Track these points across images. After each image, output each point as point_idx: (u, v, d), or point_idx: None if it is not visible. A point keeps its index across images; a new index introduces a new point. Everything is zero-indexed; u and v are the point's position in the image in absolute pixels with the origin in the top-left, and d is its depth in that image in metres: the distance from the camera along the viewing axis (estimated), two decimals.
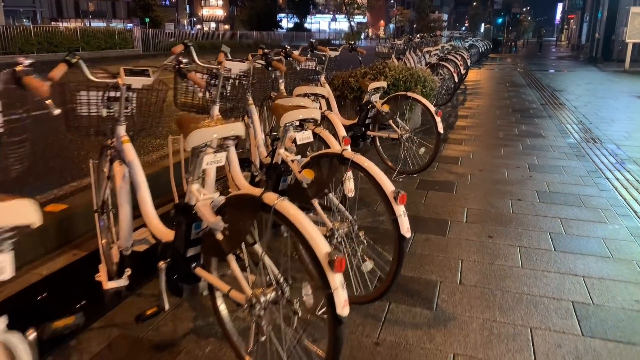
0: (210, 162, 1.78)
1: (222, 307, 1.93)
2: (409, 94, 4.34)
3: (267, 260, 1.60)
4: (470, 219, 3.42)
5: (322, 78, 4.87)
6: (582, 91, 10.77)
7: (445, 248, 2.95)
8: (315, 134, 2.90)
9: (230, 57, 3.16)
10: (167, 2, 64.72)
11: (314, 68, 4.82)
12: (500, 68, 18.02)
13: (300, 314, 1.54)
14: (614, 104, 8.85)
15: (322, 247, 1.47)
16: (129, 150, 2.24)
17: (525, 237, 3.10)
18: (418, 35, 10.64)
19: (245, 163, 3.42)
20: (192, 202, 1.81)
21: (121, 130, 2.28)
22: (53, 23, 55.27)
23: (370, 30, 75.55)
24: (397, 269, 2.05)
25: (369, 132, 4.54)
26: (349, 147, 2.67)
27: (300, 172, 2.25)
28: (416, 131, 4.44)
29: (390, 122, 4.34)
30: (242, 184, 2.83)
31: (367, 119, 4.52)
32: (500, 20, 51.93)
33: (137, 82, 2.26)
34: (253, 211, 1.61)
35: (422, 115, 6.53)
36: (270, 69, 3.91)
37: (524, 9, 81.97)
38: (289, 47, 4.55)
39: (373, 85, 4.39)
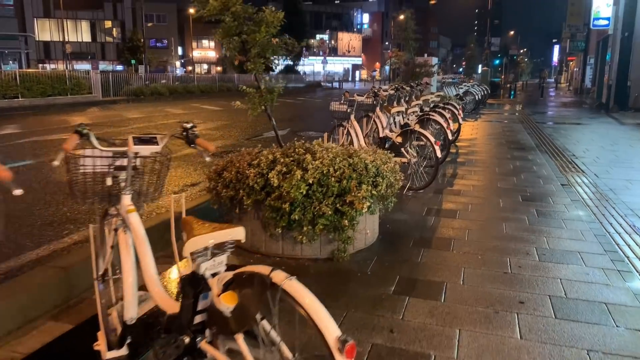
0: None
1: None
2: (286, 286, 1.70)
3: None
4: None
5: (126, 200, 2.25)
6: (609, 157, 8.23)
7: None
8: None
9: None
10: (161, 44, 63.68)
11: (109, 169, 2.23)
12: (500, 119, 15.61)
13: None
14: None
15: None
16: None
17: None
18: (393, 86, 8.20)
19: None
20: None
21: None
22: (40, 65, 54.12)
23: (364, 72, 74.49)
24: None
25: (201, 344, 1.89)
26: None
27: None
28: None
29: (240, 341, 1.69)
30: None
31: (198, 314, 1.89)
32: (497, 61, 50.35)
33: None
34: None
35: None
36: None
37: (521, 50, 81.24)
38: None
39: (200, 240, 1.78)
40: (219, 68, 64.11)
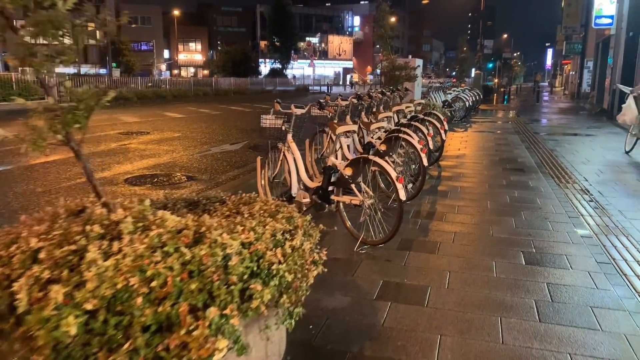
0: None
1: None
2: None
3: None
4: None
5: None
6: (633, 185, 6.51)
7: None
8: None
9: None
10: (146, 47, 61.71)
11: None
12: (493, 128, 13.89)
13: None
14: None
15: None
16: None
17: None
18: (356, 95, 6.43)
19: None
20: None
21: None
22: (20, 69, 52.09)
23: (356, 76, 72.80)
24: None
25: None
26: None
27: None
28: None
29: None
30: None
31: None
32: (490, 65, 48.74)
33: None
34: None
35: None
36: None
37: (515, 54, 79.84)
38: None
39: None
40: (205, 71, 62.24)
